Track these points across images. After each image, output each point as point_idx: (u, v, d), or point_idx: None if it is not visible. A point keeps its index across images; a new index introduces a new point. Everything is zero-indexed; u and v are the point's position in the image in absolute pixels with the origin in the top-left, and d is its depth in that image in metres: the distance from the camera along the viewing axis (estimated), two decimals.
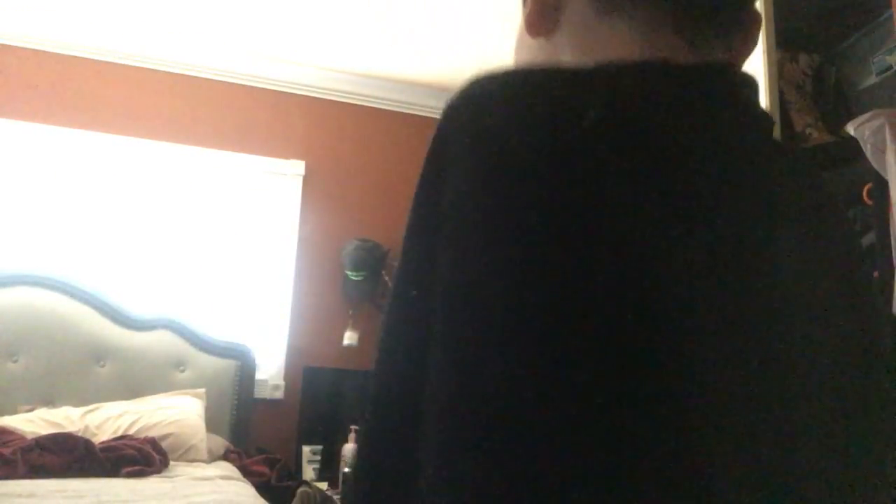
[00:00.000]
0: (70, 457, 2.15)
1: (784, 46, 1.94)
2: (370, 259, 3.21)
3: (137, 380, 2.81)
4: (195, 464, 2.45)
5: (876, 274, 1.54)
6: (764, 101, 1.78)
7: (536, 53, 0.51)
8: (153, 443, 2.36)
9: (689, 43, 0.45)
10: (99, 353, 2.81)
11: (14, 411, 2.52)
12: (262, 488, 2.39)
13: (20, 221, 2.98)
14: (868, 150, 1.53)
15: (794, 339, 0.39)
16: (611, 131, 0.37)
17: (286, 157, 3.35)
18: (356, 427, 2.76)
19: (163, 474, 2.24)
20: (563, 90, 0.39)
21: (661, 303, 0.34)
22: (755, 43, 0.50)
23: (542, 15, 0.49)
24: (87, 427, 2.42)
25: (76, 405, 2.57)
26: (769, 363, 0.37)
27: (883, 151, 1.50)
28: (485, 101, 0.39)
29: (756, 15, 0.49)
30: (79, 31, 3.07)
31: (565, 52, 0.49)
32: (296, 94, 3.43)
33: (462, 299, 0.35)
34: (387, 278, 3.18)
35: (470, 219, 0.36)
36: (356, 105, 3.52)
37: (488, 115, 0.38)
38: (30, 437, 2.21)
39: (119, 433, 2.43)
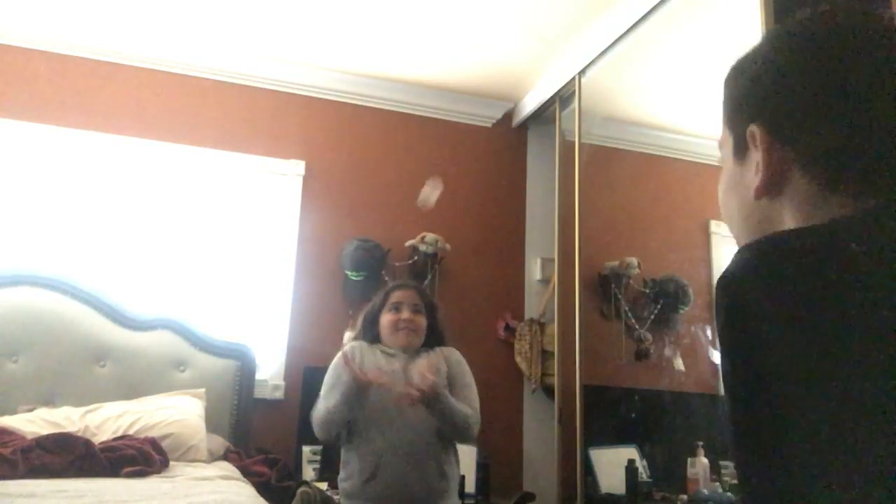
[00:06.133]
0: (70, 457, 2.15)
1: None
2: (370, 259, 3.21)
3: (137, 380, 2.81)
4: (195, 464, 2.44)
5: None
6: None
7: (757, 211, 0.67)
8: (153, 443, 2.36)
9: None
10: (99, 353, 2.81)
11: (14, 411, 2.52)
12: (262, 488, 2.39)
13: (20, 221, 2.98)
14: None
15: None
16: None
17: (286, 157, 3.35)
18: None
19: (163, 474, 2.23)
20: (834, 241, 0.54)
21: None
22: None
23: (771, 184, 0.64)
24: (87, 427, 2.42)
25: (76, 405, 2.57)
26: None
27: None
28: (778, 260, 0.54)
29: None
30: (79, 31, 3.07)
31: (786, 216, 0.63)
32: (296, 94, 3.43)
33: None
34: (387, 279, 3.17)
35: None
36: (356, 105, 3.52)
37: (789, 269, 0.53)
38: (30, 437, 2.21)
39: (119, 433, 2.43)
